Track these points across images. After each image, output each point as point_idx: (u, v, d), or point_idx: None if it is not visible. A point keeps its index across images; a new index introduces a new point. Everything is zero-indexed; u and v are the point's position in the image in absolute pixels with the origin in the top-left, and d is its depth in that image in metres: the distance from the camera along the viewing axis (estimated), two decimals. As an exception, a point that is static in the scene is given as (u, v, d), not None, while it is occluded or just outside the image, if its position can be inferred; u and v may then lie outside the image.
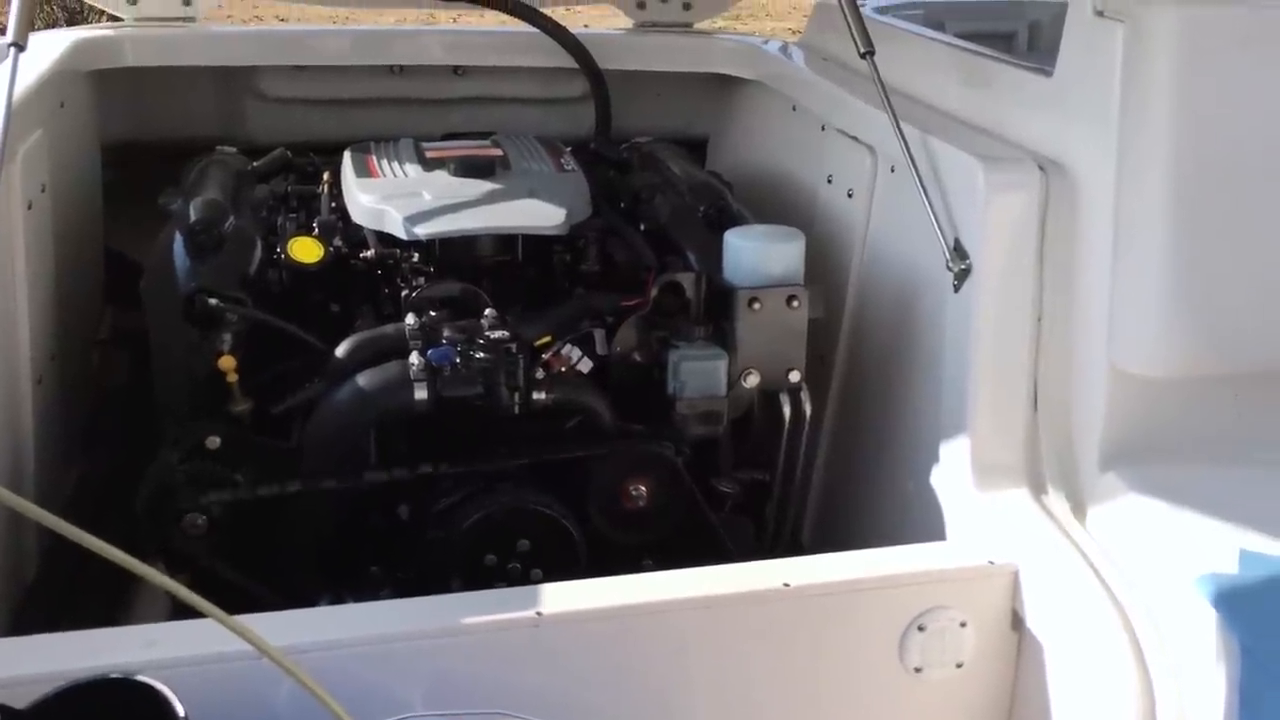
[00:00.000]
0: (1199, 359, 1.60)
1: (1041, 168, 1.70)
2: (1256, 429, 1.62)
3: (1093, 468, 1.62)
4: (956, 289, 1.71)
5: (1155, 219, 1.57)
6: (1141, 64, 1.57)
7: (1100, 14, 1.63)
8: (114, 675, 0.98)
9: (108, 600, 1.73)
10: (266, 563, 1.72)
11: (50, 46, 2.20)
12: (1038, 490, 1.65)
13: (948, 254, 1.71)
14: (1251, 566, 1.36)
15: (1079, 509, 1.62)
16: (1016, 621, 1.55)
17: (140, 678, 0.97)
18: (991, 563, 1.55)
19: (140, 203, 2.05)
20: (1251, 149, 1.59)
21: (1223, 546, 1.39)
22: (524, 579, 1.68)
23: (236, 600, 1.42)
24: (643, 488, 1.77)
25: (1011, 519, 1.60)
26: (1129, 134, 1.59)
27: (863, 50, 1.94)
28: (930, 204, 1.75)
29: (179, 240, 1.84)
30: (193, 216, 1.85)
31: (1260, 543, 1.39)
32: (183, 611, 1.35)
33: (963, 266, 1.70)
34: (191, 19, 2.52)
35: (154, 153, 2.42)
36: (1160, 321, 1.58)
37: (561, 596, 1.44)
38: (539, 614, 1.40)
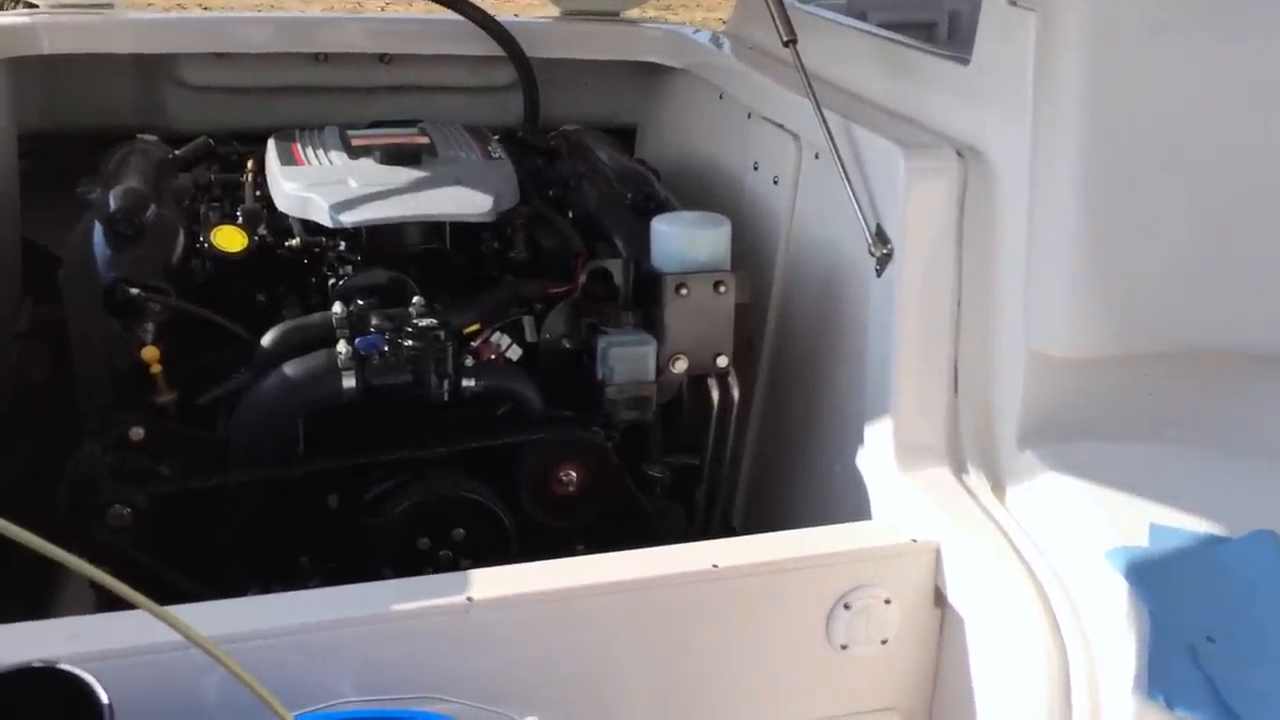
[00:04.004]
0: (1111, 340, 1.65)
1: (960, 154, 1.73)
2: (1166, 407, 1.67)
3: (1011, 447, 1.66)
4: (879, 273, 1.75)
5: (1068, 204, 1.61)
6: (1053, 51, 1.61)
7: (1013, 3, 1.67)
8: (35, 664, 0.97)
9: (29, 601, 1.70)
10: (193, 556, 1.70)
11: None
12: (958, 470, 1.69)
13: (870, 239, 1.74)
14: (1160, 540, 1.41)
15: (998, 487, 1.66)
16: (939, 598, 1.59)
17: (63, 666, 0.96)
18: (914, 541, 1.58)
19: (58, 193, 2.01)
20: (1161, 134, 1.63)
21: (1133, 521, 1.44)
22: (455, 566, 1.69)
23: (162, 595, 1.41)
24: (572, 473, 1.78)
25: (933, 498, 1.64)
26: (1042, 120, 1.63)
27: (785, 39, 1.96)
28: (852, 190, 1.78)
29: (98, 230, 1.81)
30: (112, 205, 1.83)
31: (1168, 516, 1.44)
32: (108, 609, 1.34)
33: (884, 251, 1.73)
34: (109, 5, 2.47)
35: (72, 142, 2.38)
36: (1073, 304, 1.63)
37: (492, 582, 1.45)
38: (470, 599, 1.41)
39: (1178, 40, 1.63)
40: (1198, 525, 1.43)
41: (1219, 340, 1.65)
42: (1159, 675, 1.29)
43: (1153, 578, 1.36)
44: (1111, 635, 1.35)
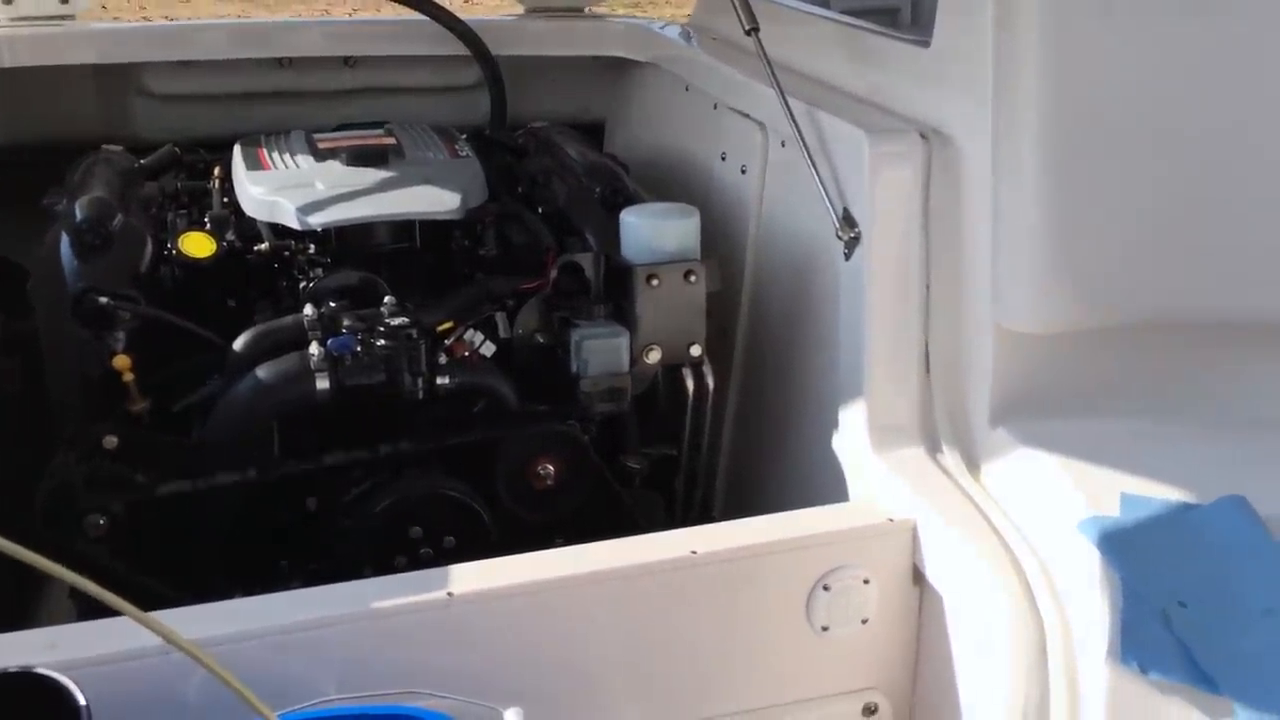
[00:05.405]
0: (1078, 315, 1.67)
1: (924, 136, 1.75)
2: (1134, 379, 1.69)
3: (983, 424, 1.68)
4: (847, 257, 1.76)
5: (1030, 182, 1.63)
6: (1011, 32, 1.62)
7: (972, -16, 1.68)
8: (11, 670, 0.97)
9: (8, 615, 1.69)
10: (172, 562, 1.70)
11: None
12: (932, 449, 1.70)
13: (837, 223, 1.75)
14: (1131, 509, 1.43)
15: (972, 464, 1.67)
16: (917, 576, 1.60)
17: (39, 670, 0.96)
18: (891, 520, 1.59)
19: (24, 206, 2.00)
20: (1119, 110, 1.64)
21: (1104, 492, 1.45)
22: (436, 563, 1.69)
23: (142, 602, 1.41)
24: (550, 467, 1.79)
25: (908, 477, 1.65)
26: (1003, 100, 1.64)
27: (747, 28, 1.97)
28: (819, 175, 1.79)
29: (66, 240, 1.81)
30: (79, 215, 1.82)
31: (1138, 486, 1.46)
32: (88, 620, 1.33)
33: (852, 235, 1.74)
34: (70, 17, 2.46)
35: (37, 154, 2.36)
36: (1039, 280, 1.64)
37: (472, 576, 1.45)
38: (450, 594, 1.41)
39: (1133, 17, 1.65)
40: (1168, 494, 1.45)
41: (1184, 311, 1.67)
42: (1132, 641, 1.30)
43: (1124, 546, 1.37)
44: (1085, 604, 1.37)
